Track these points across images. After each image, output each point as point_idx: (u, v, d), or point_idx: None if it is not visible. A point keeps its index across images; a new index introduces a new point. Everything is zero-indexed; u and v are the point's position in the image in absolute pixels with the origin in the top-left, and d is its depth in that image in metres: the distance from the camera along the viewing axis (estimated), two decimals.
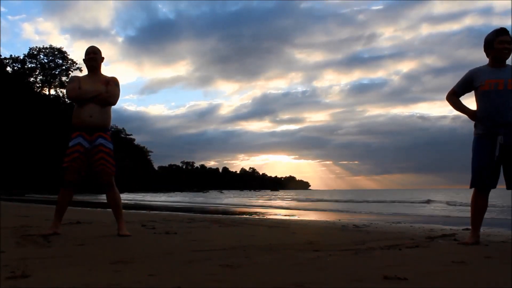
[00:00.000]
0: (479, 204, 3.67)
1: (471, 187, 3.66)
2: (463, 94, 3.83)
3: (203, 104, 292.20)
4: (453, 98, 3.87)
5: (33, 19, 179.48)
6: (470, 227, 3.86)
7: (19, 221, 5.86)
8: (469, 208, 3.84)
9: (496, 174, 3.58)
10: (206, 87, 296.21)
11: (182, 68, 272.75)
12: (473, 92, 3.78)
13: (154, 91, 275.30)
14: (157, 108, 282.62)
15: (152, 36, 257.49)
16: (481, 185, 3.60)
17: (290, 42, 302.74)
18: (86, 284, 1.98)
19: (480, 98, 3.64)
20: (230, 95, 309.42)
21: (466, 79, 3.76)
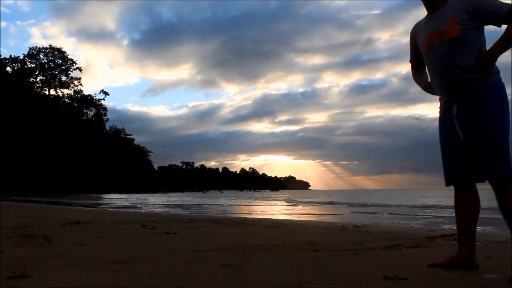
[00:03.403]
0: (462, 208, 2.49)
1: (446, 185, 2.57)
2: (419, 60, 2.71)
3: (204, 105, 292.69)
4: (412, 71, 2.83)
5: (41, 23, 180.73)
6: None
7: (19, 221, 5.86)
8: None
9: (467, 159, 2.40)
10: (208, 89, 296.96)
11: (185, 71, 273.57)
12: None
13: (157, 93, 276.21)
14: (159, 109, 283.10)
15: (156, 40, 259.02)
16: (455, 179, 2.49)
17: (291, 45, 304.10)
18: (86, 284, 1.98)
19: (426, 63, 2.63)
20: (231, 96, 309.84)
21: (411, 43, 2.74)
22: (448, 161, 2.50)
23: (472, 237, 2.46)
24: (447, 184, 2.53)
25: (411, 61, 2.79)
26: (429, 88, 2.67)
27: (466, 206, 2.47)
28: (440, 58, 2.42)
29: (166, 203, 23.23)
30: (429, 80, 2.65)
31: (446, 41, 2.38)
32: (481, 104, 2.31)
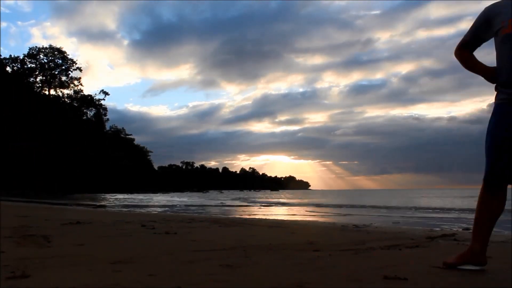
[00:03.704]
0: (488, 205, 2.39)
1: (485, 180, 2.39)
2: (478, 45, 2.52)
3: (204, 105, 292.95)
4: (463, 53, 2.55)
5: (41, 24, 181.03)
6: (470, 228, 3.67)
7: (19, 221, 5.86)
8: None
9: None
10: (208, 89, 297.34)
11: (185, 71, 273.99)
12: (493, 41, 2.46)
13: (157, 93, 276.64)
14: (159, 109, 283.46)
15: (156, 40, 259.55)
16: (499, 175, 2.34)
17: (291, 45, 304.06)
18: (86, 284, 1.98)
19: (502, 47, 2.33)
20: (232, 96, 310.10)
21: (480, 21, 2.45)
22: (500, 156, 2.32)
23: (489, 235, 2.43)
24: (489, 179, 2.38)
25: (465, 39, 2.54)
26: (490, 73, 2.42)
27: (497, 203, 2.38)
28: None
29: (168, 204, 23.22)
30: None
31: None
32: None
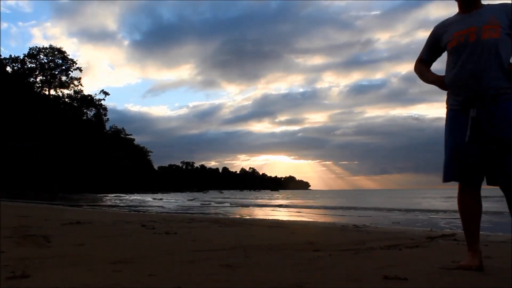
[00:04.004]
0: (464, 206, 2.54)
1: (443, 181, 2.60)
2: (432, 60, 2.78)
3: (205, 105, 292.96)
4: (419, 66, 2.81)
5: (42, 24, 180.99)
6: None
7: (19, 221, 5.86)
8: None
9: (477, 161, 2.46)
10: (208, 90, 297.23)
11: (185, 71, 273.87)
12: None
13: (158, 93, 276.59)
14: (160, 109, 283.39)
15: (156, 40, 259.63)
16: (454, 177, 2.53)
17: (291, 46, 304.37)
18: (86, 284, 1.98)
19: (448, 58, 2.59)
20: (232, 96, 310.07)
21: (431, 39, 2.72)
22: (453, 158, 2.49)
23: (478, 237, 2.52)
24: (445, 180, 2.56)
25: (421, 57, 2.78)
26: (440, 82, 2.64)
27: (476, 205, 2.51)
28: (475, 55, 2.39)
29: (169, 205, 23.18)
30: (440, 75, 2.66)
31: (486, 40, 2.36)
32: (505, 114, 2.33)
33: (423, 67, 2.79)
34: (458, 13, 2.58)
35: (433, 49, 2.71)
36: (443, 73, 2.63)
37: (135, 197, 35.13)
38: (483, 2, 2.52)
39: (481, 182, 2.50)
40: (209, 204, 22.05)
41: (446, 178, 2.54)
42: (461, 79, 2.46)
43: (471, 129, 2.40)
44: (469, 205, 2.52)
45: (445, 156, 2.56)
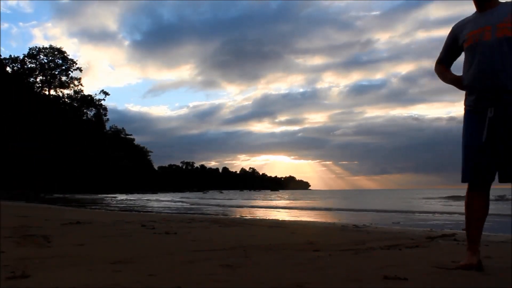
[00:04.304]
0: (473, 206, 2.54)
1: (462, 181, 2.59)
2: (451, 60, 2.77)
3: (205, 105, 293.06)
4: (438, 67, 2.81)
5: (43, 24, 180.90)
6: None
7: (19, 221, 5.86)
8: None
9: (491, 161, 2.46)
10: (209, 90, 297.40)
11: (185, 71, 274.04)
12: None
13: (158, 93, 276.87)
14: (160, 109, 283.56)
15: (157, 41, 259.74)
16: (472, 177, 2.52)
17: (291, 46, 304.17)
18: (86, 284, 1.98)
19: (465, 58, 2.59)
20: (232, 96, 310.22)
21: (449, 39, 2.71)
22: (471, 158, 2.49)
23: (480, 237, 2.54)
24: (464, 181, 2.55)
25: (440, 57, 2.79)
26: (458, 82, 2.64)
27: (484, 205, 2.51)
28: (490, 54, 2.39)
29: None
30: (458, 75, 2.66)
31: (501, 38, 2.37)
32: None
33: (442, 68, 2.79)
34: (475, 12, 2.58)
35: (451, 49, 2.71)
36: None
37: (122, 197, 34.86)
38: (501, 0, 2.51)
39: (492, 182, 2.50)
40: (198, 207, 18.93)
41: (465, 179, 2.53)
42: (477, 79, 2.45)
43: (488, 129, 2.40)
44: (478, 205, 2.52)
45: (463, 157, 2.55)
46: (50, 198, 27.26)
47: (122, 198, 33.19)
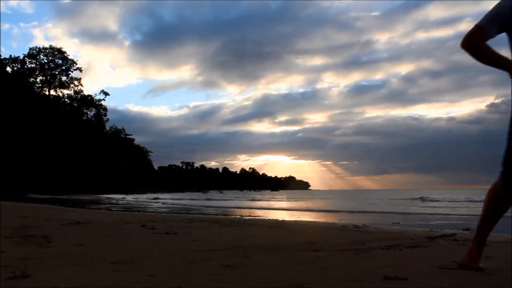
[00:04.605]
0: (498, 203, 2.35)
1: (501, 179, 2.29)
2: (495, 34, 2.18)
3: (205, 105, 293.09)
4: (484, 45, 2.16)
5: (43, 25, 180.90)
6: (469, 228, 3.56)
7: (19, 221, 5.86)
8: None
9: None
10: (209, 90, 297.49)
11: (186, 72, 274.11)
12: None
13: (158, 94, 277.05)
14: (160, 109, 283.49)
15: (157, 41, 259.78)
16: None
17: (291, 47, 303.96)
18: (86, 284, 1.98)
19: None
20: (232, 97, 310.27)
21: (501, 9, 2.16)
22: None
23: (488, 235, 2.48)
24: (505, 178, 2.29)
25: (483, 26, 2.16)
26: (509, 64, 2.14)
27: (508, 205, 2.35)
28: None
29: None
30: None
31: None
32: None
33: (484, 45, 2.17)
34: None
35: (501, 21, 2.16)
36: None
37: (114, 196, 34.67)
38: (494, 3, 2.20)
39: None
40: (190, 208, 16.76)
41: (505, 177, 2.27)
42: None
43: None
44: (503, 203, 2.34)
45: (506, 152, 2.25)
46: (37, 199, 26.85)
47: (121, 198, 33.19)
